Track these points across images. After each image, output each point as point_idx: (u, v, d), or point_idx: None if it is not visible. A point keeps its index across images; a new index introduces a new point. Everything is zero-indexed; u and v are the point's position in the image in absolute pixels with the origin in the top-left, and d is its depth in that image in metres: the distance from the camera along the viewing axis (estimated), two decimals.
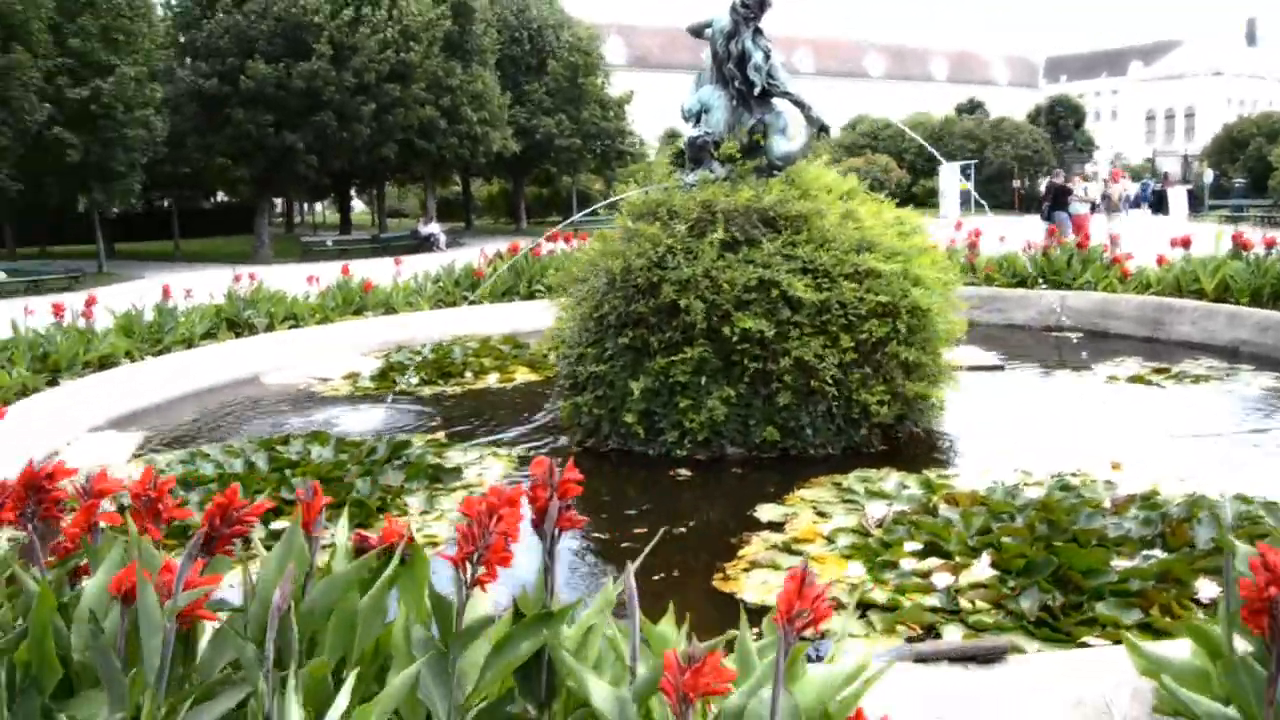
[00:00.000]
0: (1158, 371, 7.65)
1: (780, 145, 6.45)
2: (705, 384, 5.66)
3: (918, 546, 4.04)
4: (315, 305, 10.43)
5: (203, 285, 10.97)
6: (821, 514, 4.65)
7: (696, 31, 6.81)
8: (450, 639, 1.60)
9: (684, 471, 5.49)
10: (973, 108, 61.42)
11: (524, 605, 1.73)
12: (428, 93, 28.85)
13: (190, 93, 26.26)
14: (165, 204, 34.53)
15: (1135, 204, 39.44)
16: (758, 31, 6.47)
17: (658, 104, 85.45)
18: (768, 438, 5.59)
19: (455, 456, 5.92)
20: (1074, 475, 4.95)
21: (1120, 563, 3.70)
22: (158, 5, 25.45)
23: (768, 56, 6.43)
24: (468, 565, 1.54)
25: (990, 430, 6.29)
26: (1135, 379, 7.45)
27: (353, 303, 10.80)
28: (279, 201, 45.85)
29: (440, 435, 6.45)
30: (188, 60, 26.88)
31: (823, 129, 6.55)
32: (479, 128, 31.29)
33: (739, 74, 6.47)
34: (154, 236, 36.68)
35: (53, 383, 7.70)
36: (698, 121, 6.66)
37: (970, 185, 38.65)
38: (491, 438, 6.42)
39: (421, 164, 32.67)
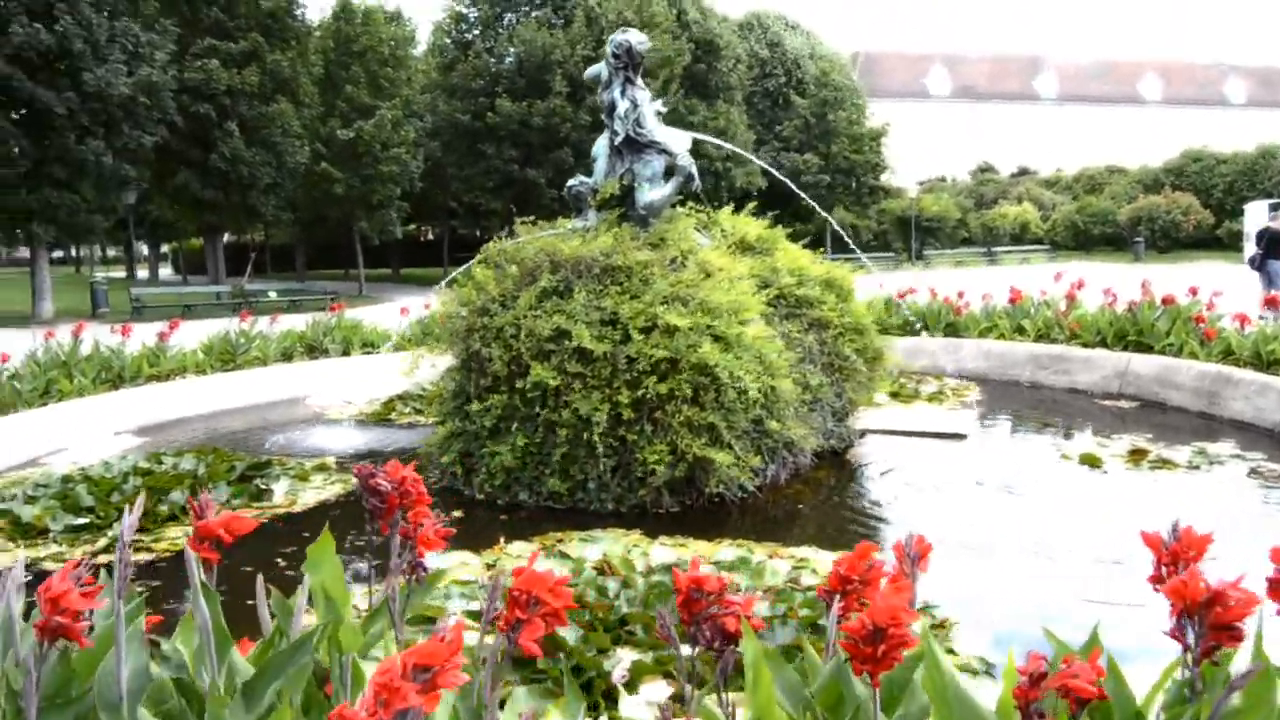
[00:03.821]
0: (1134, 454, 6.64)
1: (645, 194, 6.41)
2: (514, 431, 5.78)
3: (475, 606, 4.00)
4: (390, 334, 11.37)
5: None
6: (490, 566, 4.66)
7: (591, 82, 6.91)
8: None
9: (456, 513, 5.63)
10: None
11: None
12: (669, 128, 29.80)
13: (449, 129, 29.03)
14: (477, 233, 38.22)
15: None
16: (628, 81, 6.48)
17: (982, 134, 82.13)
18: (552, 489, 5.61)
19: (317, 478, 6.45)
20: (793, 559, 4.61)
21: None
22: (421, 45, 28.48)
23: (635, 105, 6.42)
24: None
25: (828, 503, 5.86)
26: (1087, 459, 6.54)
27: (430, 333, 11.63)
28: None
29: (330, 460, 6.98)
30: (449, 99, 29.67)
31: (689, 178, 6.44)
32: (721, 164, 31.96)
33: (610, 123, 6.51)
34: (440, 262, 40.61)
35: (114, 389, 9.08)
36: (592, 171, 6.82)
37: None
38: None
39: None
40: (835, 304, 6.73)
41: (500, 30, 31.74)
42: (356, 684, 1.80)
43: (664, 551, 4.77)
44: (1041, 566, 4.51)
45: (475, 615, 4.00)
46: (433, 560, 4.76)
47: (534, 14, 31.18)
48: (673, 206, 6.82)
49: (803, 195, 8.10)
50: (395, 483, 2.04)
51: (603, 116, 6.63)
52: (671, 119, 25.02)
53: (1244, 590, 1.61)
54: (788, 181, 9.42)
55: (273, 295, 24.65)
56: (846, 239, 8.57)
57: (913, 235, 42.53)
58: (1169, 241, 39.21)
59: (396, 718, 1.29)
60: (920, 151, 77.24)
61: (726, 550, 4.80)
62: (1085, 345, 9.69)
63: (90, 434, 8.15)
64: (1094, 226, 42.97)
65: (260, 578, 2.11)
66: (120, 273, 52.20)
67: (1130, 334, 9.44)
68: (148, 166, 20.61)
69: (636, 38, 6.49)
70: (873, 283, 13.12)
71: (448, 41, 31.99)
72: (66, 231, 20.04)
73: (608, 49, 6.53)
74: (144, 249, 53.65)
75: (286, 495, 6.09)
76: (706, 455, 5.37)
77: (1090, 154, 62.86)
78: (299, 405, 9.74)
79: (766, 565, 4.42)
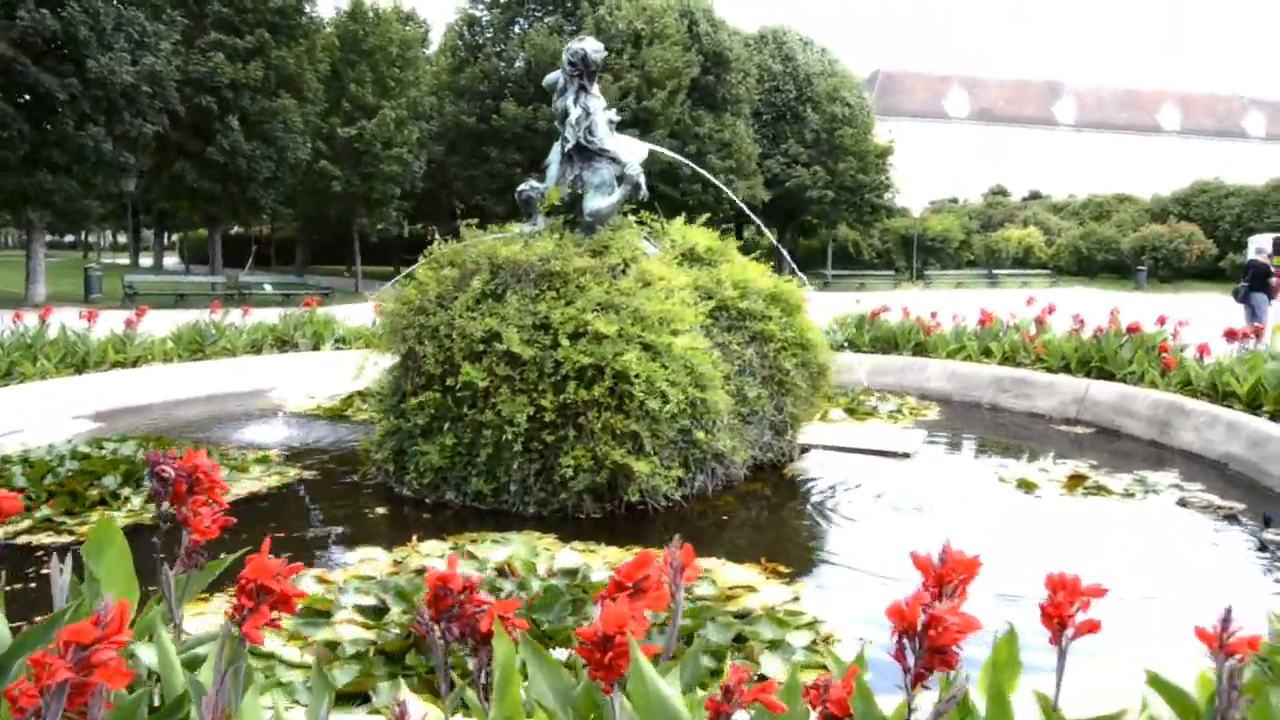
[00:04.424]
0: (1072, 480, 6.63)
1: (592, 201, 6.46)
2: (445, 431, 5.81)
3: (365, 601, 4.05)
4: (361, 330, 11.42)
5: None
6: (397, 563, 4.69)
7: (549, 88, 6.97)
8: None
9: (381, 510, 5.68)
10: None
11: None
12: (673, 139, 30.02)
13: (454, 130, 29.16)
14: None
15: None
16: (583, 89, 6.54)
17: (998, 157, 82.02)
18: (477, 489, 5.64)
19: (256, 470, 6.49)
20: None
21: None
22: (435, 45, 28.66)
23: (587, 114, 6.47)
24: None
25: (752, 516, 5.87)
26: (1023, 483, 6.54)
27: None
28: None
29: (274, 453, 7.02)
30: (456, 101, 29.82)
31: (635, 187, 6.48)
32: (723, 176, 31.98)
33: (562, 130, 6.56)
34: None
35: (77, 374, 9.15)
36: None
37: None
38: (308, 460, 6.89)
39: (665, 208, 33.79)
40: (780, 318, 6.74)
41: (511, 35, 31.93)
42: None
43: (571, 556, 4.79)
44: None
45: (364, 610, 4.04)
46: (340, 557, 4.85)
47: (546, 20, 31.33)
48: (623, 215, 6.85)
49: (745, 209, 8.11)
50: (186, 471, 2.07)
51: (556, 123, 6.68)
52: (677, 130, 25.17)
53: (962, 615, 1.63)
54: (735, 196, 9.43)
55: (268, 288, 24.75)
56: (784, 254, 8.53)
57: (914, 255, 42.52)
58: (1171, 271, 39.12)
59: (53, 692, 1.32)
60: (935, 172, 77.07)
61: (631, 558, 4.81)
62: (1050, 370, 9.68)
63: (48, 417, 8.21)
64: (1098, 253, 42.90)
65: (55, 557, 2.14)
66: (127, 259, 52.46)
67: (1094, 360, 9.44)
68: (148, 154, 20.77)
69: (592, 46, 6.55)
70: (849, 300, 13.14)
71: (459, 43, 32.17)
72: (62, 216, 20.19)
73: (564, 56, 6.59)
74: (152, 237, 53.98)
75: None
76: (626, 463, 5.39)
77: (1105, 181, 62.76)
78: (261, 397, 9.79)
79: None
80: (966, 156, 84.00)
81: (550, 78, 6.91)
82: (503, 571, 4.47)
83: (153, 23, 19.22)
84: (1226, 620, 1.99)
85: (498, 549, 4.87)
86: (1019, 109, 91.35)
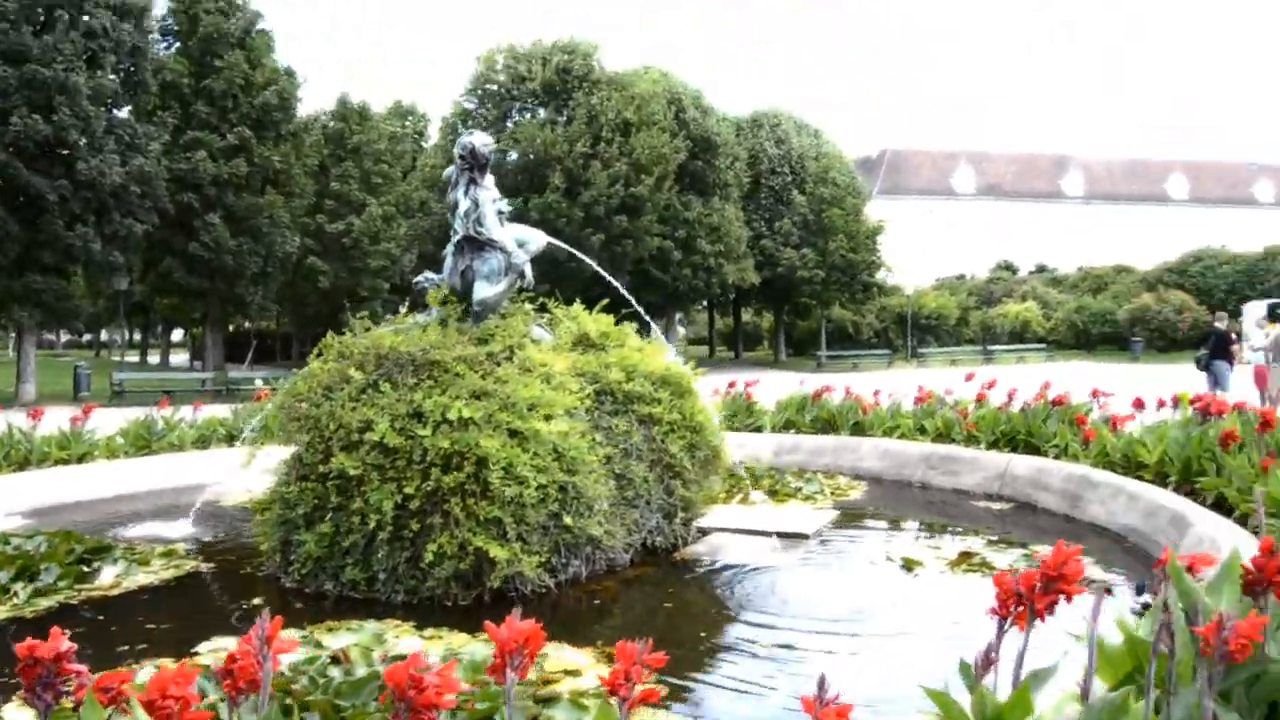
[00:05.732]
0: (961, 557, 6.66)
1: (480, 290, 6.68)
2: (326, 519, 5.94)
3: None
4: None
5: None
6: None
7: (444, 182, 7.27)
8: None
9: (257, 600, 5.79)
10: None
11: None
12: (661, 225, 30.53)
13: (443, 224, 29.90)
14: None
15: None
16: (473, 181, 6.80)
17: (1007, 232, 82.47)
18: (351, 578, 5.74)
19: (157, 563, 6.64)
20: None
21: None
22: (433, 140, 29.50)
23: (476, 205, 6.73)
24: None
25: (621, 602, 5.93)
26: (907, 562, 6.56)
27: None
28: None
29: (181, 546, 7.17)
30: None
31: (520, 275, 6.71)
32: (713, 260, 32.40)
33: (453, 222, 6.83)
34: None
35: (20, 470, 9.38)
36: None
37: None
38: (215, 553, 7.03)
39: (655, 293, 34.25)
40: (669, 400, 6.87)
41: (504, 128, 32.83)
42: None
43: (413, 643, 4.88)
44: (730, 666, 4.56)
45: None
46: (198, 646, 4.93)
47: (539, 112, 32.20)
48: (511, 301, 7.07)
49: (615, 282, 8.31)
50: None
51: (448, 215, 6.95)
52: (666, 215, 25.45)
53: (444, 678, 1.76)
54: (601, 268, 9.65)
55: (259, 383, 25.03)
56: (655, 330, 8.58)
57: (909, 333, 42.65)
58: (1167, 341, 39.03)
59: None
60: (943, 249, 77.51)
61: (477, 645, 4.89)
62: (985, 446, 9.72)
63: None
64: (1094, 326, 42.94)
65: None
66: (135, 358, 53.28)
67: (1021, 435, 9.50)
68: (138, 253, 21.35)
69: (480, 140, 6.84)
70: (793, 381, 13.26)
71: (453, 137, 33.08)
72: (52, 315, 20.71)
73: (455, 151, 6.88)
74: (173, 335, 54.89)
75: (115, 578, 6.26)
76: (486, 549, 5.49)
77: (1114, 252, 63.05)
78: (200, 492, 9.93)
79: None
80: (974, 233, 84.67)
81: (446, 172, 7.20)
82: (336, 659, 4.56)
83: (144, 124, 19.97)
84: (821, 689, 2.09)
85: (349, 635, 4.96)
86: (1027, 183, 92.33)
